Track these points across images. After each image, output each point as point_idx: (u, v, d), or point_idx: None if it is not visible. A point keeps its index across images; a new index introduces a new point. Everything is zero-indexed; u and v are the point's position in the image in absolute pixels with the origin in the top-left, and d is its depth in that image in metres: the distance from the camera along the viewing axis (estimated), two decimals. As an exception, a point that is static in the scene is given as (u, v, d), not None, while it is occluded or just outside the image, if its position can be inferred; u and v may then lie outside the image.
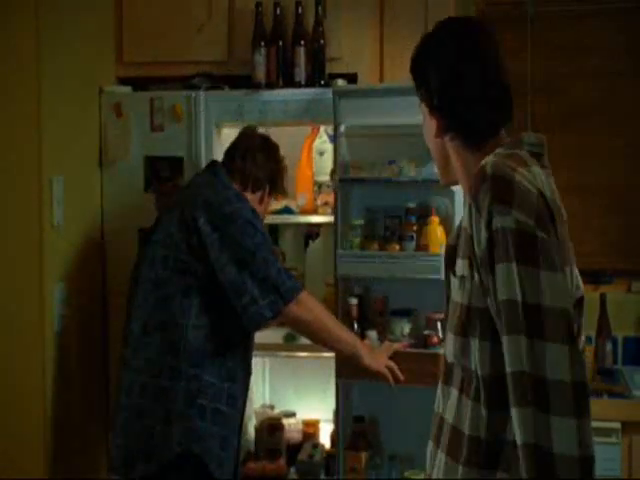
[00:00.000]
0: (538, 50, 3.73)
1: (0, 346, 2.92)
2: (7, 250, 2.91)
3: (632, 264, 3.70)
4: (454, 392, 1.56)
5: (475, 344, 1.49)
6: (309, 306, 2.67)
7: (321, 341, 2.77)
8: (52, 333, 2.98)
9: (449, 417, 1.56)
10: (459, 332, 1.53)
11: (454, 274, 1.56)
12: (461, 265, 1.52)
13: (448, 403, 1.58)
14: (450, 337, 1.57)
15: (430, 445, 1.65)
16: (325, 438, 3.49)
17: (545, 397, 1.35)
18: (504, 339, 1.40)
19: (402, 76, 3.26)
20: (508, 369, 1.40)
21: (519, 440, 1.38)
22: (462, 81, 1.61)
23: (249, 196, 2.82)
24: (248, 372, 2.80)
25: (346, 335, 2.78)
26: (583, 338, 1.66)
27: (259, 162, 2.86)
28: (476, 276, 1.47)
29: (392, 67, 3.35)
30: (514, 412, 1.39)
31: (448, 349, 1.59)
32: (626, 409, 3.19)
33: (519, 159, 1.52)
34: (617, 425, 3.13)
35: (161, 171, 3.33)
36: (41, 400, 2.93)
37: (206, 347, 2.63)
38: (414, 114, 2.85)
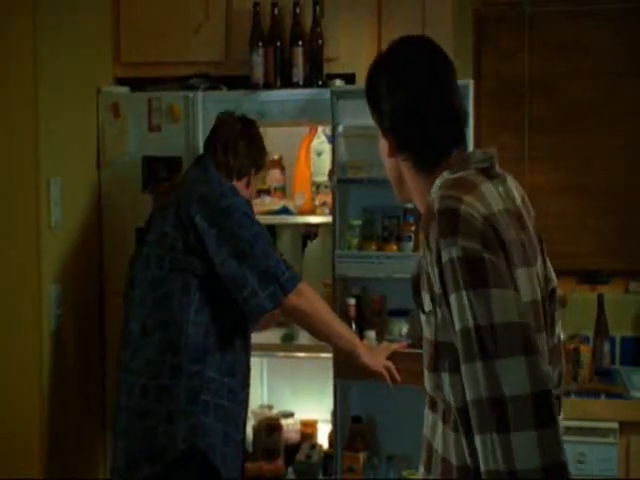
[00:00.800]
0: (536, 50, 3.73)
1: (-2, 347, 2.92)
2: (5, 250, 2.91)
3: (630, 264, 3.70)
4: (439, 423, 1.56)
5: (446, 377, 1.49)
6: (309, 299, 2.66)
7: (321, 335, 2.75)
8: (49, 332, 2.98)
9: (439, 448, 1.56)
10: (431, 368, 1.54)
11: (422, 308, 1.56)
12: (425, 299, 1.53)
13: (436, 434, 1.58)
14: (425, 373, 1.58)
15: (421, 469, 1.65)
16: (323, 438, 3.49)
17: (504, 416, 1.34)
18: (462, 368, 1.40)
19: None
20: (468, 398, 1.40)
21: (482, 467, 1.38)
22: (431, 98, 1.61)
23: (235, 184, 2.81)
24: (247, 366, 2.78)
25: (346, 332, 2.76)
26: (559, 331, 1.66)
27: (241, 151, 2.84)
28: (439, 311, 1.48)
29: (390, 67, 3.35)
30: (476, 440, 1.39)
31: (426, 383, 1.59)
32: (624, 409, 3.19)
33: (466, 183, 1.52)
34: (615, 425, 3.13)
35: (159, 171, 3.32)
36: (38, 399, 2.93)
37: (206, 342, 2.62)
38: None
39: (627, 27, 3.68)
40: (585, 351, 3.40)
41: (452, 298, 1.41)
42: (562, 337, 1.69)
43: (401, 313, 3.06)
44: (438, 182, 1.57)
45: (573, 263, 3.67)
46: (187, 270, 2.61)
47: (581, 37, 3.71)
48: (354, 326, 3.05)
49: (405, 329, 3.04)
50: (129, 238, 3.31)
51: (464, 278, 1.40)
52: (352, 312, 3.07)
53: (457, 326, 1.41)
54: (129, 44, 3.45)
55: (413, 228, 3.00)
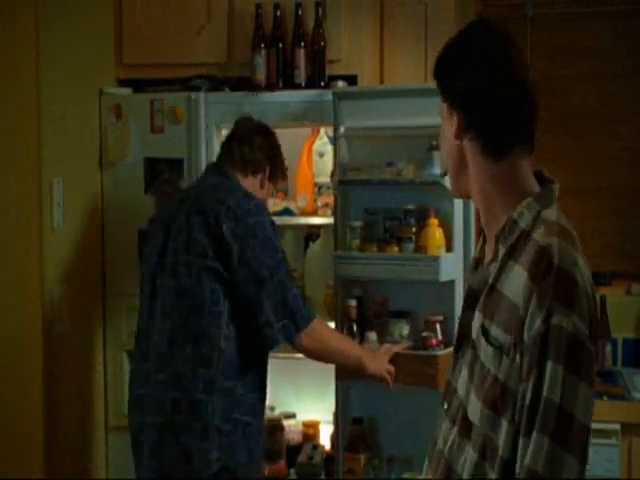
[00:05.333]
0: (537, 52, 3.73)
1: (0, 348, 2.92)
2: (7, 252, 2.91)
3: (631, 266, 3.70)
4: (472, 453, 1.52)
5: (505, 425, 1.47)
6: (319, 335, 2.69)
7: (329, 363, 2.85)
8: (52, 335, 2.98)
9: (465, 475, 1.53)
10: (489, 405, 1.50)
11: (484, 333, 1.51)
12: (500, 335, 1.48)
13: (463, 459, 1.54)
14: (475, 401, 1.53)
15: (425, 475, 1.64)
16: (325, 439, 3.49)
17: None
18: (532, 435, 1.40)
19: (402, 77, 3.30)
20: (525, 463, 1.40)
21: None
22: (507, 78, 1.56)
23: (250, 180, 2.80)
24: (266, 379, 2.78)
25: (351, 350, 2.82)
26: None
27: (257, 144, 2.84)
28: (518, 358, 1.45)
29: (392, 69, 3.36)
30: None
31: (471, 410, 1.54)
32: (625, 411, 3.18)
33: (571, 236, 1.53)
34: (616, 427, 3.13)
35: (161, 173, 3.33)
36: (39, 402, 2.93)
37: (239, 359, 2.61)
38: (414, 116, 2.91)
39: (629, 29, 3.68)
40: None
41: (549, 365, 1.40)
42: None
43: (402, 315, 3.05)
44: (526, 211, 1.53)
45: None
46: (216, 276, 2.58)
47: (583, 39, 3.72)
48: (355, 328, 3.04)
49: (406, 331, 3.02)
50: (131, 239, 3.32)
51: (566, 356, 1.39)
52: (353, 313, 3.06)
53: (545, 392, 1.40)
54: (131, 45, 3.45)
55: (414, 230, 2.99)
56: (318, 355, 2.75)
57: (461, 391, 1.58)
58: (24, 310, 2.93)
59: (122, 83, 3.48)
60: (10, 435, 2.91)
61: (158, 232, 2.73)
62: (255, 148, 2.83)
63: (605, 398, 3.23)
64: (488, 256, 1.59)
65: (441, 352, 2.87)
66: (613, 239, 3.71)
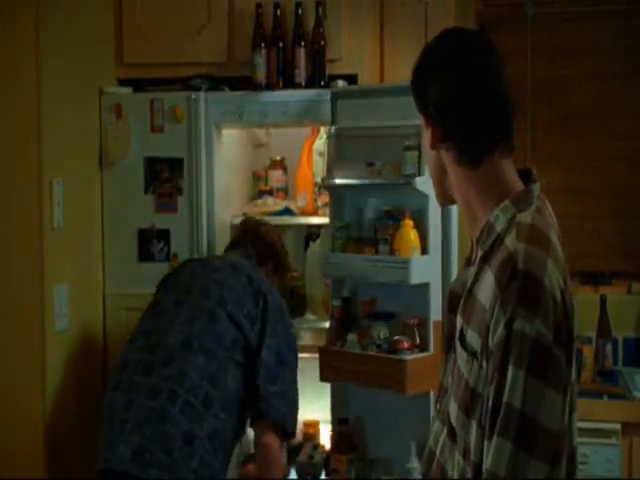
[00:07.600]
0: (538, 52, 3.74)
1: (0, 347, 2.92)
2: (8, 252, 2.91)
3: (632, 266, 3.71)
4: (458, 457, 1.54)
5: (474, 427, 1.48)
6: (278, 449, 2.82)
7: (261, 464, 2.88)
8: (52, 334, 2.98)
9: (454, 475, 1.55)
10: (463, 409, 1.51)
11: (461, 338, 1.52)
12: (474, 340, 1.49)
13: (453, 461, 1.56)
14: (453, 406, 1.55)
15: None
16: (325, 439, 3.49)
17: None
18: (493, 438, 1.40)
19: (402, 77, 3.28)
20: (486, 466, 1.40)
21: None
22: (480, 86, 1.56)
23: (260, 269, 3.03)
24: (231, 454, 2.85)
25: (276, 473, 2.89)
26: None
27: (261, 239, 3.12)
28: (484, 364, 1.46)
29: (392, 68, 3.36)
30: None
31: (451, 413, 1.56)
32: (626, 410, 3.18)
33: (543, 237, 1.48)
34: (617, 426, 3.13)
35: (161, 172, 3.33)
36: (40, 401, 2.93)
37: (238, 397, 2.72)
38: (409, 116, 2.87)
39: (629, 29, 3.69)
40: (587, 352, 3.40)
41: (510, 370, 1.39)
42: None
43: (388, 316, 3.00)
44: (502, 215, 1.51)
45: (575, 264, 3.63)
46: (241, 331, 2.74)
47: (583, 39, 3.72)
48: (338, 327, 3.04)
49: (386, 333, 2.96)
50: (131, 239, 3.32)
51: (528, 361, 1.38)
52: (337, 313, 3.05)
53: (505, 397, 1.39)
54: (131, 45, 3.45)
55: (390, 231, 2.93)
56: (266, 456, 2.81)
57: (449, 394, 1.59)
58: (24, 310, 2.93)
59: (122, 83, 3.48)
60: (10, 435, 2.91)
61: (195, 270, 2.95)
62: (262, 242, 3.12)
63: (605, 398, 3.24)
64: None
65: (410, 356, 2.82)
66: (613, 239, 3.71)
